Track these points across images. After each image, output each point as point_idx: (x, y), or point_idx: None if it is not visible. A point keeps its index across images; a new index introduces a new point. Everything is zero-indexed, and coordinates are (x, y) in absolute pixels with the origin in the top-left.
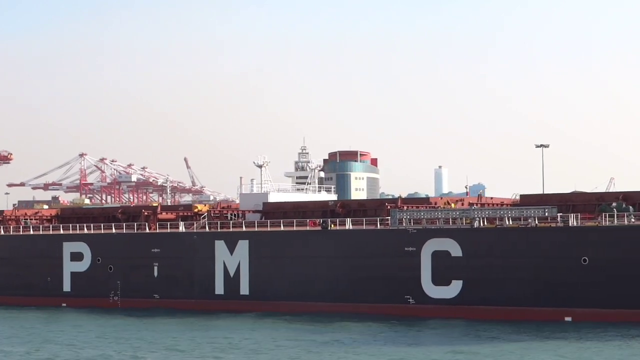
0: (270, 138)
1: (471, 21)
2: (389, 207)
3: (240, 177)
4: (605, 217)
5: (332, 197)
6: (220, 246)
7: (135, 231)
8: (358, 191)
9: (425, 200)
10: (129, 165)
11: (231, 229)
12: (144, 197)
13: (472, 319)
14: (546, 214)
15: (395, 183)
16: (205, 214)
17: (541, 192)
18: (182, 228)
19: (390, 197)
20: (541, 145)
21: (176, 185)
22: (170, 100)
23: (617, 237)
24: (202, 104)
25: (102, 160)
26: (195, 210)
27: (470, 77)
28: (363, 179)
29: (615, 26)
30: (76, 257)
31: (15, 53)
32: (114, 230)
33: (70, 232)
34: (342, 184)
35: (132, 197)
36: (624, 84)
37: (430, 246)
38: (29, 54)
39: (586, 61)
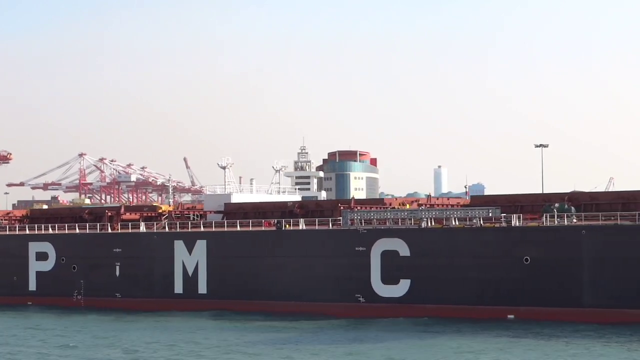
0: (270, 138)
1: (471, 21)
2: (342, 207)
3: (240, 177)
4: (547, 217)
5: (296, 197)
6: (179, 246)
7: (98, 231)
8: (357, 191)
9: (379, 201)
10: (129, 165)
11: (190, 229)
12: (144, 197)
13: (420, 317)
14: (490, 214)
15: (395, 183)
16: (167, 214)
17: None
18: (142, 228)
19: (390, 196)
20: (540, 145)
21: (176, 185)
22: (170, 100)
23: (557, 237)
24: (201, 104)
25: (101, 160)
26: (159, 210)
27: (470, 77)
28: (362, 178)
29: (615, 26)
30: (41, 256)
31: (15, 53)
32: (77, 231)
33: (36, 232)
34: (342, 184)
35: (131, 197)
36: (624, 84)
37: (380, 246)
38: (29, 54)
39: (586, 61)
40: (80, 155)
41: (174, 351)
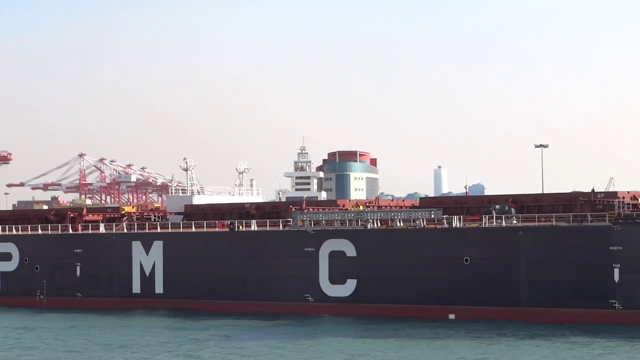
0: (270, 138)
1: (471, 21)
2: (293, 209)
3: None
4: (487, 219)
5: (259, 199)
6: (137, 247)
7: (60, 232)
8: (357, 191)
9: (332, 203)
10: (129, 166)
11: (147, 230)
12: (144, 197)
13: (366, 316)
14: (432, 215)
15: (395, 183)
16: (126, 215)
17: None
18: (102, 229)
19: (389, 197)
20: (540, 146)
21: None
22: (170, 100)
23: (496, 238)
24: (202, 104)
25: (101, 160)
26: (122, 212)
27: (470, 77)
28: (362, 179)
29: (616, 26)
30: (5, 257)
31: (15, 53)
32: (40, 232)
33: (0, 232)
34: (342, 184)
35: (131, 198)
36: (624, 84)
37: (328, 247)
38: (29, 54)
39: (586, 61)
40: (80, 155)
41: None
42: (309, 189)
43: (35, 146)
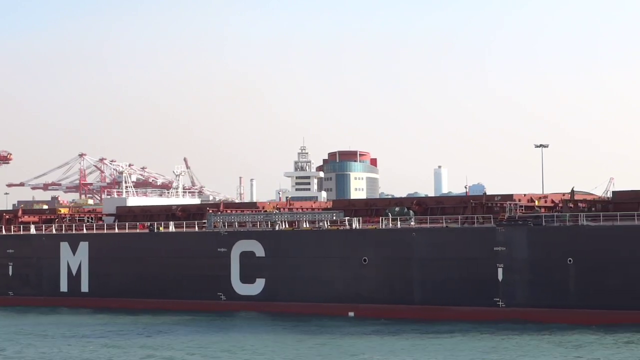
0: (271, 138)
1: (471, 21)
2: (209, 211)
3: (240, 177)
4: (383, 220)
5: (195, 201)
6: (64, 247)
7: None
8: (358, 191)
9: (252, 205)
10: (129, 165)
11: (74, 232)
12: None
13: (274, 314)
14: (334, 217)
15: (395, 183)
16: (57, 217)
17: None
18: (33, 230)
19: (390, 197)
20: (541, 145)
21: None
22: (170, 100)
23: (391, 239)
24: (202, 104)
25: (101, 160)
26: (59, 213)
27: (470, 77)
28: (362, 179)
29: (615, 26)
30: None
31: (15, 53)
32: None
33: None
34: (342, 184)
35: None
36: (624, 84)
37: (239, 247)
38: (29, 53)
39: (586, 61)
40: (81, 155)
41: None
42: (309, 189)
43: (35, 146)
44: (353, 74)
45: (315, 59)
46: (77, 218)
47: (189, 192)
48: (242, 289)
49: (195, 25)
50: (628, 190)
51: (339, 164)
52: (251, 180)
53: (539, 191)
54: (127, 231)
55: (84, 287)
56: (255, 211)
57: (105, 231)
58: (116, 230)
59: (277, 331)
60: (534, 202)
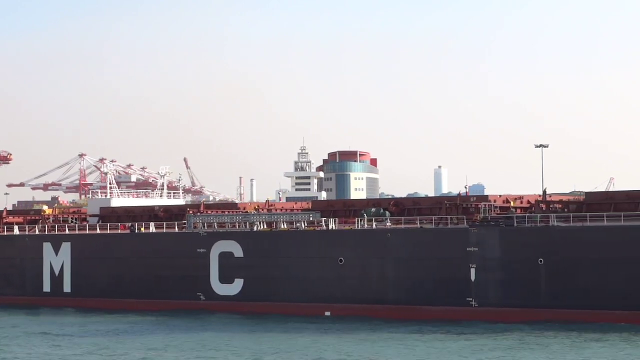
0: (271, 138)
1: (471, 21)
2: (190, 212)
3: (240, 177)
4: (359, 221)
5: (180, 201)
6: (47, 248)
7: None
8: (358, 191)
9: (233, 205)
10: (129, 166)
11: (57, 232)
12: (144, 197)
13: (252, 314)
14: (311, 218)
15: (395, 183)
16: (40, 218)
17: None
18: (16, 231)
19: (390, 197)
20: (541, 145)
21: (175, 185)
22: (170, 101)
23: (367, 239)
24: (202, 104)
25: (101, 160)
26: (43, 214)
27: (470, 77)
28: (362, 179)
29: (615, 26)
30: None
31: (15, 53)
32: None
33: None
34: (342, 184)
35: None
36: (624, 84)
37: (218, 248)
38: (29, 53)
39: (586, 61)
40: (81, 155)
41: None
42: (309, 189)
43: (35, 146)
44: (353, 74)
45: (315, 59)
46: (61, 219)
47: (189, 193)
48: (221, 289)
49: (195, 25)
50: (600, 192)
51: (339, 164)
52: (251, 180)
53: (539, 191)
54: (108, 232)
55: (67, 287)
56: (236, 212)
57: (87, 232)
58: (98, 231)
59: (252, 330)
60: (510, 203)
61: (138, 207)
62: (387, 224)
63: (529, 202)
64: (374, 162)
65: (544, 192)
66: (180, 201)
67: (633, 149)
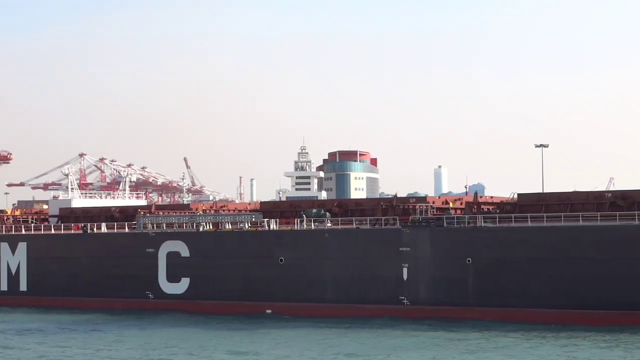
0: (271, 138)
1: (471, 21)
2: (141, 212)
3: (240, 177)
4: (298, 222)
5: (141, 202)
6: (4, 248)
7: None
8: (358, 191)
9: (185, 207)
10: (129, 165)
11: (13, 232)
12: (144, 197)
13: (198, 312)
14: (254, 219)
15: (395, 183)
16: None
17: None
18: None
19: (390, 196)
20: (541, 145)
21: (177, 185)
22: (171, 101)
23: (306, 240)
24: (202, 104)
25: (101, 160)
26: (3, 214)
27: (470, 77)
28: (363, 178)
29: (615, 26)
30: None
31: (15, 53)
32: None
33: None
34: (342, 184)
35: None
36: (624, 84)
37: (166, 247)
38: (29, 53)
39: (587, 61)
40: (81, 155)
41: None
42: (309, 189)
43: (35, 146)
44: (353, 74)
45: (316, 59)
46: (21, 219)
47: (190, 192)
48: (169, 287)
49: (196, 25)
50: (532, 193)
51: (339, 163)
52: (251, 180)
53: (539, 190)
54: (62, 232)
55: (23, 286)
56: (185, 213)
57: (42, 232)
58: (52, 232)
59: (195, 328)
60: (449, 204)
61: (96, 207)
62: (328, 224)
63: (467, 203)
64: (374, 162)
65: (476, 193)
66: (141, 202)
67: (633, 149)
